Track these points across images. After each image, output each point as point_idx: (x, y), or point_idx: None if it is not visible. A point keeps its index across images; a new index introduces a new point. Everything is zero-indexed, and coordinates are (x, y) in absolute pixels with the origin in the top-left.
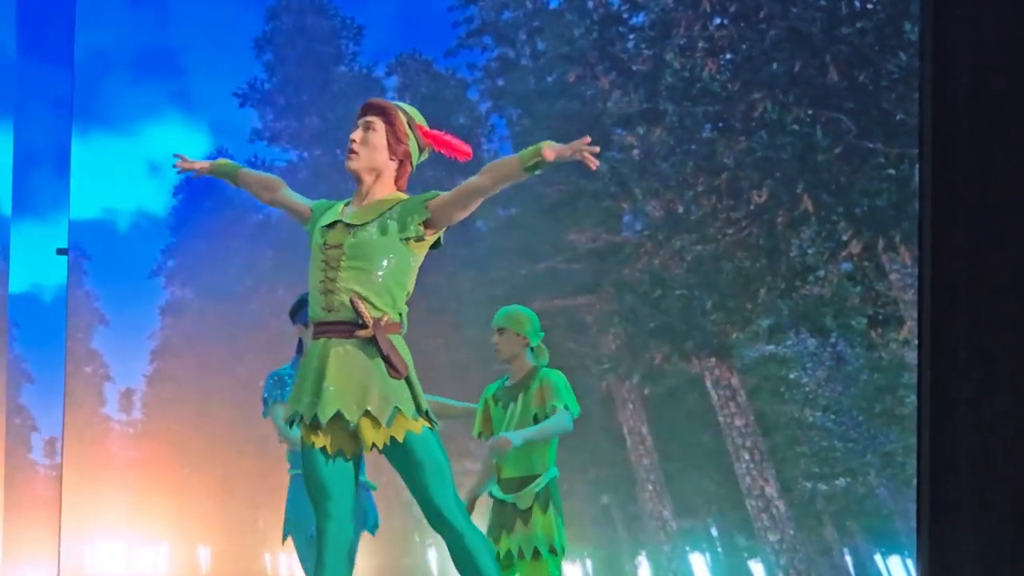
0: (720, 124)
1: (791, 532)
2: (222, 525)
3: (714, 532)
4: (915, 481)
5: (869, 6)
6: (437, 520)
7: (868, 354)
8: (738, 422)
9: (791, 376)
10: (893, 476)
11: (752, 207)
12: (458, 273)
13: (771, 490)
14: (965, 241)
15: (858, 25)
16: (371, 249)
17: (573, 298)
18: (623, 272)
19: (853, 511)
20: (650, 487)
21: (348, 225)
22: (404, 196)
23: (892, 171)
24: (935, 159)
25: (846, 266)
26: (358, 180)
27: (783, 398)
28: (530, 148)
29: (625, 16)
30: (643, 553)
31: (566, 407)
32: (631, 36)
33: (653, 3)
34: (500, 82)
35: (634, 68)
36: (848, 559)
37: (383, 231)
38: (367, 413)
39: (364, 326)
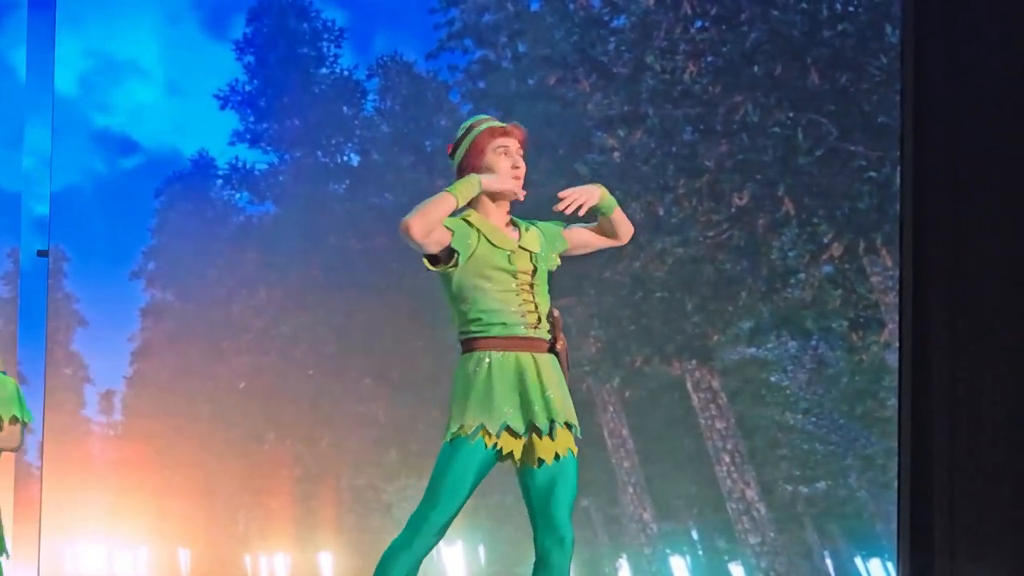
0: (701, 127)
1: (772, 535)
2: (203, 528)
3: (695, 535)
4: (896, 484)
5: (850, 9)
6: (557, 532)
7: (849, 357)
8: (719, 425)
9: (772, 379)
10: (874, 479)
11: (733, 210)
12: (437, 276)
13: (752, 493)
14: (946, 244)
15: (839, 28)
16: (548, 275)
17: (553, 300)
18: (603, 274)
19: (834, 514)
20: (631, 490)
21: (527, 251)
22: (535, 221)
23: (873, 173)
24: (916, 162)
25: (827, 269)
26: (499, 203)
27: (764, 401)
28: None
29: (606, 19)
30: (624, 556)
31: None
32: (612, 39)
33: (634, 6)
34: (481, 84)
35: (615, 71)
36: (829, 562)
37: (547, 258)
38: (566, 425)
39: (554, 342)
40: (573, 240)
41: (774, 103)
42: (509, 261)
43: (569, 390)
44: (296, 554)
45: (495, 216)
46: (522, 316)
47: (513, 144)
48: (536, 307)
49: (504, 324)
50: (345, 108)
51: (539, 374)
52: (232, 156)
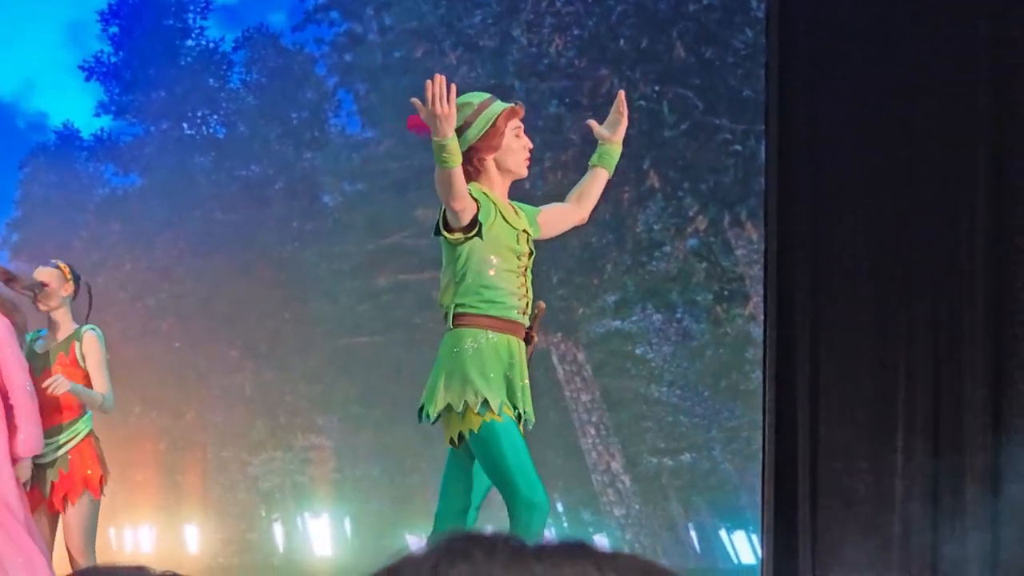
0: (567, 100)
1: (636, 507)
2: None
3: (560, 507)
4: (760, 456)
5: None
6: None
7: (714, 329)
8: (584, 397)
9: (637, 351)
10: (738, 451)
11: None
12: (304, 248)
13: (617, 465)
14: (809, 217)
15: (705, 2)
16: None
17: (419, 273)
18: None
19: (698, 486)
20: None
21: (527, 233)
22: (515, 204)
23: (738, 147)
24: (781, 135)
25: (692, 242)
26: (504, 179)
27: (629, 373)
28: (606, 153)
29: None
30: (489, 528)
31: None
32: (478, 12)
33: None
34: (347, 57)
35: (481, 44)
36: (693, 533)
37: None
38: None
39: (531, 332)
40: (545, 225)
41: (639, 76)
42: (517, 241)
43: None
44: (161, 526)
45: (501, 192)
46: (518, 299)
47: (520, 124)
48: (527, 292)
49: (503, 304)
50: (211, 80)
51: (521, 362)
52: (97, 128)
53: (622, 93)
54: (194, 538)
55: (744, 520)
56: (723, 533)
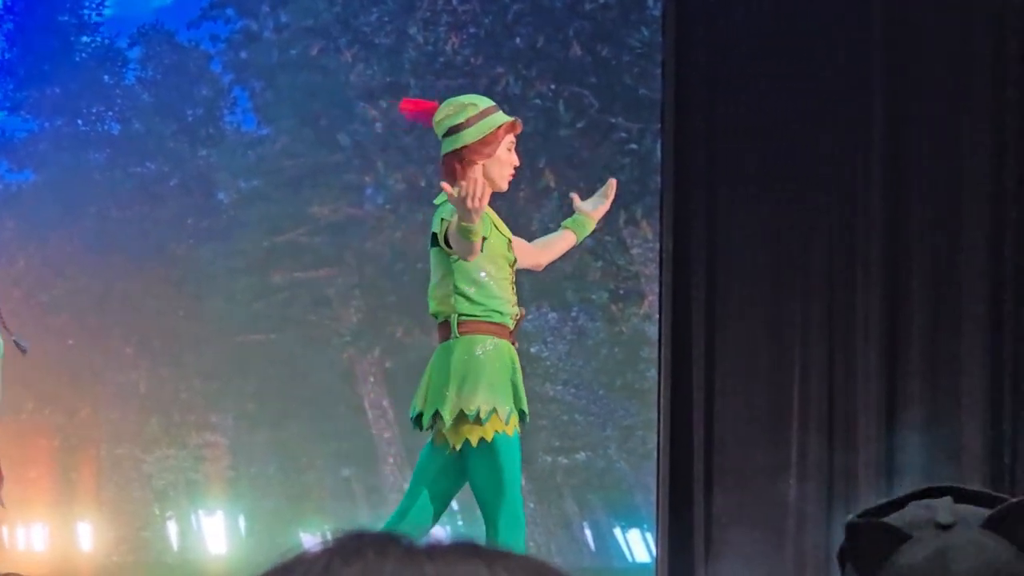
0: None
1: (531, 505)
2: None
3: (455, 505)
4: (655, 455)
5: None
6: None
7: (609, 328)
8: None
9: (532, 350)
10: (633, 450)
11: None
12: (199, 245)
13: None
14: (705, 216)
15: (601, 1)
16: None
17: (315, 271)
18: (365, 245)
19: (593, 484)
20: (391, 460)
21: (509, 242)
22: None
23: (634, 146)
24: (677, 134)
25: (587, 240)
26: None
27: (524, 372)
28: (585, 222)
29: None
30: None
31: None
32: (375, 9)
33: None
34: (243, 54)
35: (377, 42)
36: (588, 532)
37: None
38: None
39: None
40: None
41: (535, 75)
42: (508, 249)
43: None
44: (55, 524)
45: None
46: (511, 306)
47: (514, 140)
48: (515, 299)
49: (500, 312)
50: (106, 77)
51: (518, 363)
52: None
53: (614, 182)
54: (88, 536)
55: (639, 518)
56: (618, 531)
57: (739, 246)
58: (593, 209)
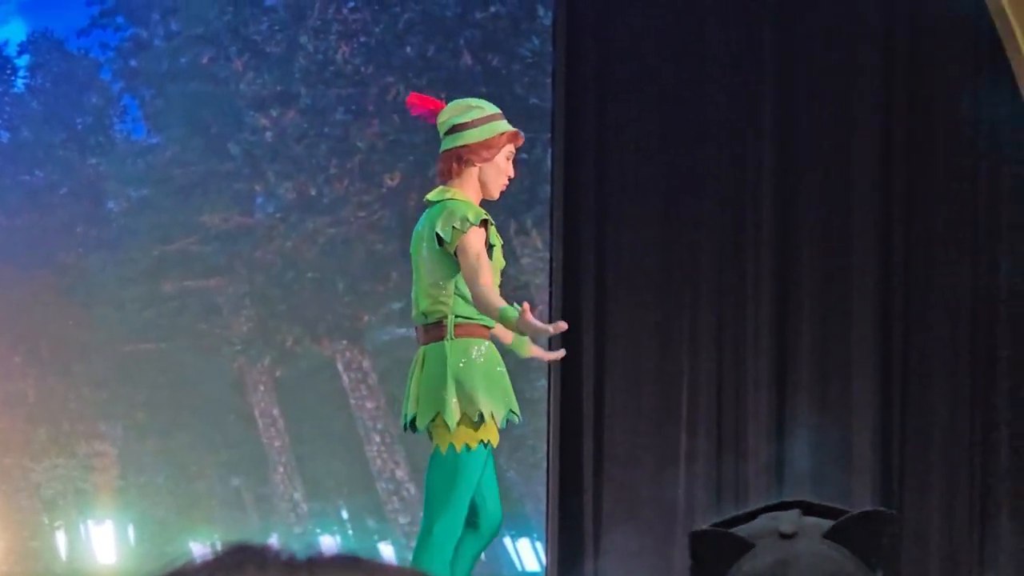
0: (353, 107)
1: (421, 515)
2: None
3: (345, 514)
4: (545, 464)
5: None
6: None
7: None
8: (369, 405)
9: None
10: (523, 459)
11: (385, 190)
12: (89, 254)
13: (402, 473)
14: (595, 225)
15: (492, 9)
16: None
17: (205, 279)
18: (255, 254)
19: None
20: (281, 469)
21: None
22: None
23: (524, 155)
24: (567, 144)
25: None
26: (476, 195)
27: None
28: (511, 316)
29: None
30: (274, 535)
31: None
32: (265, 18)
33: None
34: (133, 62)
35: (268, 50)
36: None
37: None
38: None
39: None
40: None
41: (426, 84)
42: (502, 256)
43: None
44: None
45: (476, 201)
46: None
47: (514, 151)
48: None
49: (488, 316)
50: None
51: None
52: None
53: (563, 324)
54: None
55: (529, 528)
56: (508, 541)
57: (629, 256)
58: (530, 332)
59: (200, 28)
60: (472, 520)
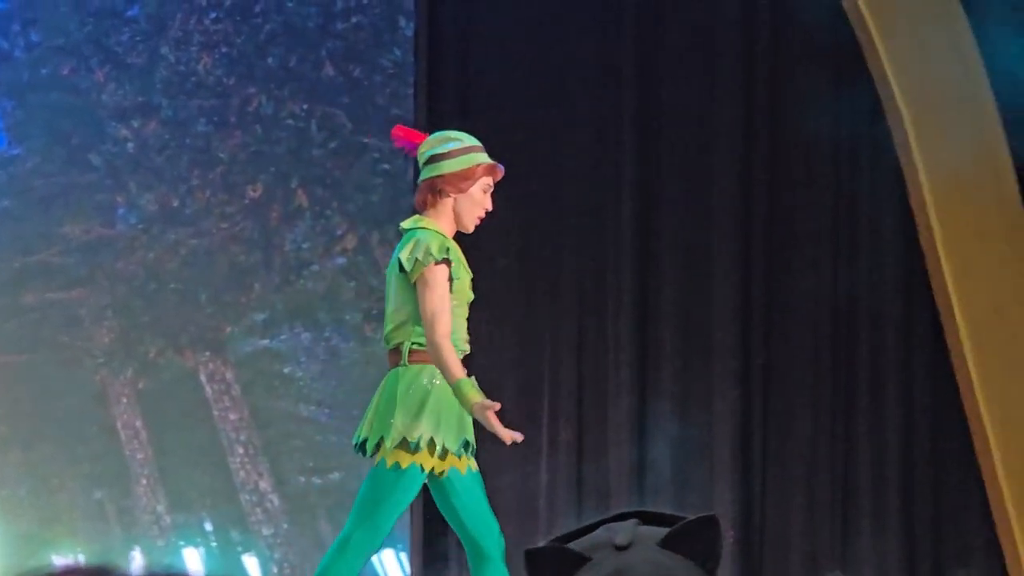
0: (215, 118)
1: (285, 526)
2: None
3: (208, 526)
4: None
5: (365, 2)
6: (493, 529)
7: (362, 348)
8: (232, 416)
9: (286, 370)
10: None
11: (247, 201)
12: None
13: (265, 484)
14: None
15: (353, 20)
16: None
17: (67, 291)
18: (117, 265)
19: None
20: (144, 481)
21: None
22: None
23: (387, 166)
24: None
25: (341, 260)
26: (450, 227)
27: (278, 392)
28: (468, 395)
29: (121, 9)
30: (136, 548)
31: None
32: (126, 29)
33: None
34: None
35: (129, 61)
36: None
37: None
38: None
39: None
40: None
41: (288, 95)
42: (470, 288)
43: None
44: None
45: (448, 232)
46: (463, 343)
47: (492, 186)
48: (467, 336)
49: (455, 346)
50: None
51: None
52: None
53: (519, 436)
54: None
55: (393, 538)
56: None
57: (490, 266)
58: (489, 428)
59: (61, 39)
60: (477, 551)
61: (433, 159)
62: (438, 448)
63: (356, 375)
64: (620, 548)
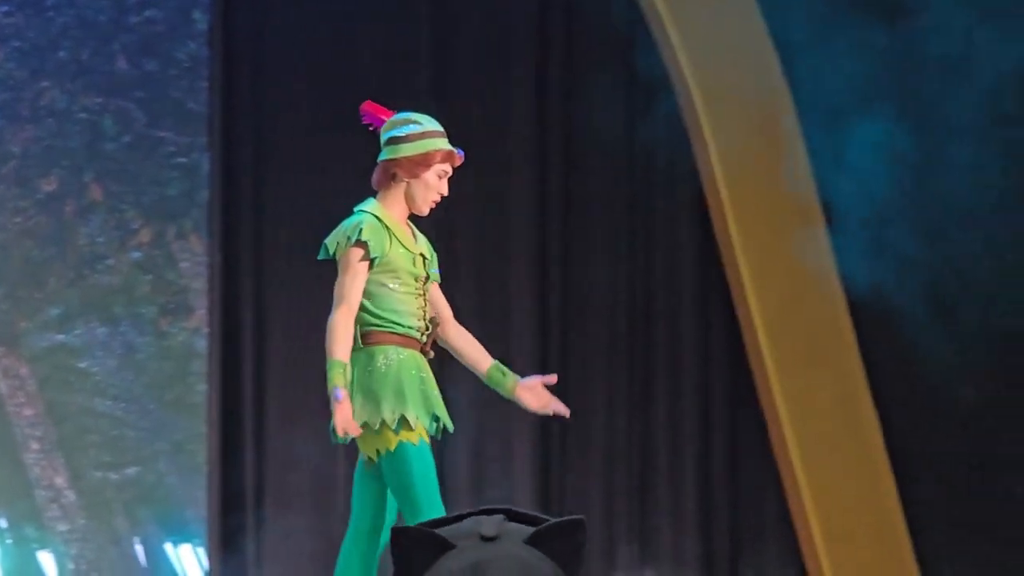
0: (7, 112)
1: (82, 522)
2: None
3: (3, 523)
4: (206, 468)
5: None
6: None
7: (159, 343)
8: (27, 412)
9: (81, 365)
10: (184, 464)
11: (40, 196)
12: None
13: (61, 480)
14: (253, 229)
15: (146, 14)
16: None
17: None
18: None
19: (144, 500)
20: None
21: (423, 257)
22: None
23: (183, 160)
24: (224, 148)
25: (136, 255)
26: (402, 208)
27: (73, 387)
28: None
29: None
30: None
31: None
32: None
33: None
34: None
35: None
36: (139, 548)
37: (433, 270)
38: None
39: (425, 347)
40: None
41: (81, 89)
42: (414, 264)
43: None
44: None
45: (399, 215)
46: (417, 320)
47: (450, 170)
48: (425, 313)
49: (402, 324)
50: None
51: (430, 372)
52: None
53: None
54: None
55: (190, 533)
56: (169, 546)
57: (287, 259)
58: (519, 391)
59: None
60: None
61: (391, 141)
62: (423, 424)
63: (153, 369)
64: (486, 539)
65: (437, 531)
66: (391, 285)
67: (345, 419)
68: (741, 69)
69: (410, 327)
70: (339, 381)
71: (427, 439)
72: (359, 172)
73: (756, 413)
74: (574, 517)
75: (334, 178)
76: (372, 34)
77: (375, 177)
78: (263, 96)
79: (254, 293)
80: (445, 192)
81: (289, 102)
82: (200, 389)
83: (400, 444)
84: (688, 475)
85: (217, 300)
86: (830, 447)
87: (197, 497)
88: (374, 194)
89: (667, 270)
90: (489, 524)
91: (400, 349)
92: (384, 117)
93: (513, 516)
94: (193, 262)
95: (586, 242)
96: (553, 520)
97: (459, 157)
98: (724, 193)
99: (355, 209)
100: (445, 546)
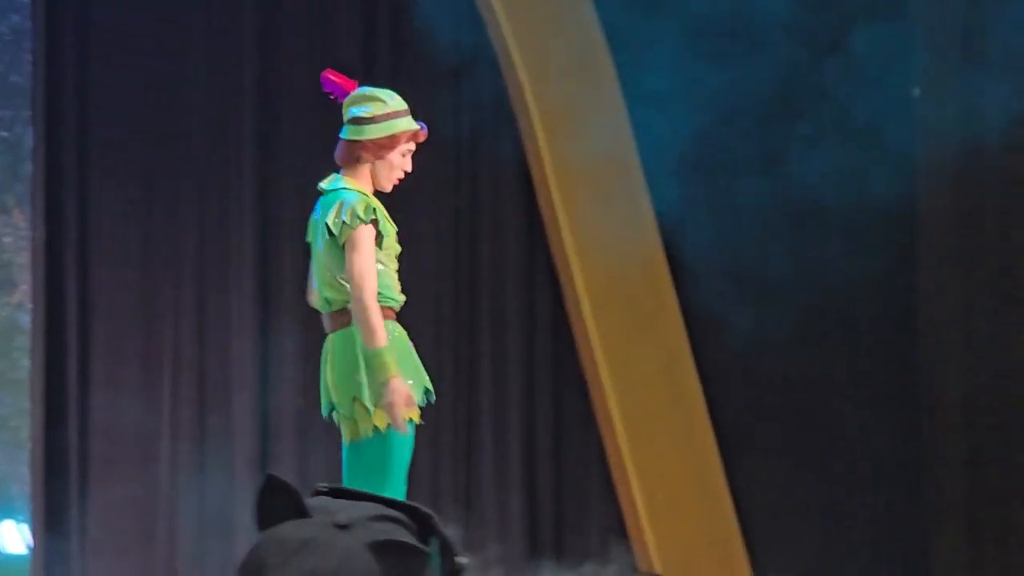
0: None
1: None
2: None
3: None
4: (29, 445)
5: None
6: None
7: None
8: None
9: None
10: (8, 441)
11: None
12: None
13: None
14: (77, 204)
15: None
16: None
17: None
18: None
19: None
20: None
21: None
22: None
23: (5, 133)
24: (48, 121)
25: None
26: (369, 185)
27: None
28: (389, 365)
29: None
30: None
31: None
32: None
33: None
34: None
35: None
36: None
37: None
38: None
39: None
40: None
41: None
42: (396, 240)
43: None
44: None
45: (369, 189)
46: (398, 295)
47: (414, 148)
48: (400, 287)
49: (392, 299)
50: None
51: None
52: None
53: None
54: None
55: (13, 509)
56: None
57: (111, 234)
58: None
59: None
60: None
61: (356, 120)
62: (416, 397)
63: None
64: (339, 526)
65: (307, 500)
66: (386, 262)
67: (410, 403)
68: (567, 42)
69: (396, 300)
70: (395, 370)
71: (416, 419)
72: (187, 148)
73: (581, 384)
74: (421, 547)
75: (158, 153)
76: (197, 12)
77: (340, 154)
78: (87, 69)
79: (77, 268)
80: (409, 169)
81: (113, 75)
82: (23, 364)
83: (389, 427)
84: (513, 447)
85: (40, 275)
86: (654, 417)
87: (21, 473)
88: (337, 169)
89: (492, 246)
90: (347, 513)
91: (394, 324)
92: (347, 88)
93: (413, 514)
94: (16, 236)
95: (410, 216)
96: (407, 541)
97: (423, 133)
98: (548, 164)
99: (328, 188)
100: (302, 512)
